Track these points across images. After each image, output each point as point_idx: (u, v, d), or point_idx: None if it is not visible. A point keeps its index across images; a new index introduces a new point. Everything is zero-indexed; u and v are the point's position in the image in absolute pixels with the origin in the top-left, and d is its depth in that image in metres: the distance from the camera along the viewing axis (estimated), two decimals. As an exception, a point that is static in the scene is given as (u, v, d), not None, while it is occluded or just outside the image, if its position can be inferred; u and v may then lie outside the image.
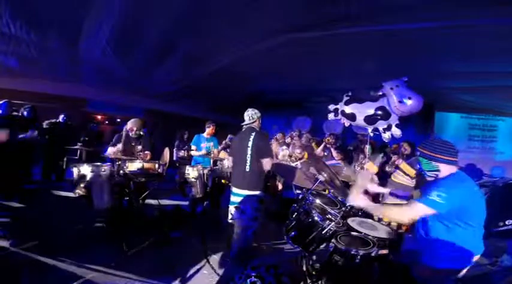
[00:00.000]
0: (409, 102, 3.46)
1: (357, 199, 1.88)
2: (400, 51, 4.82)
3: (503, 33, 3.74)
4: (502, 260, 3.23)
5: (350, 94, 4.20)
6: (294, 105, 9.32)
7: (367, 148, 4.37)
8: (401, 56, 5.01)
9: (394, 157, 4.35)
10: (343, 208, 2.41)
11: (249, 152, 2.86)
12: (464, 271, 1.70)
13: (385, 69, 4.86)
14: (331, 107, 4.35)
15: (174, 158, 6.52)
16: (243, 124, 3.09)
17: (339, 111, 4.23)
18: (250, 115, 3.05)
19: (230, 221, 3.01)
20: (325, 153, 4.98)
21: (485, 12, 3.40)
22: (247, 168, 2.87)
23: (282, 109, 9.39)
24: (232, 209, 2.96)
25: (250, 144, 2.87)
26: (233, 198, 2.98)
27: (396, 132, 3.72)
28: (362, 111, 3.92)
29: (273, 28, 4.34)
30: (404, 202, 3.36)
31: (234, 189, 2.97)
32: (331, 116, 4.38)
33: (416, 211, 1.64)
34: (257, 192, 2.89)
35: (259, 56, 5.31)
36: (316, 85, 7.47)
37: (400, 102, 3.50)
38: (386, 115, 3.71)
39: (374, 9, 3.64)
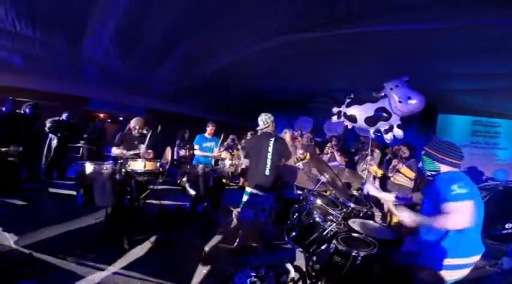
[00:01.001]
0: (409, 102, 3.44)
1: (405, 216, 1.75)
2: (402, 52, 4.82)
3: (506, 34, 3.73)
4: (501, 263, 3.23)
5: (352, 96, 4.20)
6: (296, 105, 9.32)
7: (377, 152, 4.38)
8: (403, 57, 5.01)
9: (394, 162, 4.37)
10: (345, 209, 2.42)
11: (269, 157, 3.01)
12: (468, 271, 1.70)
13: (387, 70, 4.86)
14: (335, 110, 4.36)
15: (175, 157, 6.55)
16: (258, 129, 3.21)
17: (342, 113, 4.23)
18: (264, 120, 3.14)
19: (241, 218, 3.16)
20: (328, 155, 5.00)
21: (488, 13, 3.40)
22: (267, 172, 3.01)
23: (284, 109, 9.41)
24: (245, 208, 3.11)
25: (270, 149, 3.01)
26: (247, 198, 3.10)
27: (398, 132, 3.71)
28: (362, 112, 3.93)
29: (275, 28, 4.34)
30: (407, 204, 3.37)
31: (251, 190, 3.07)
32: (334, 118, 4.39)
33: (461, 211, 1.55)
34: (274, 192, 3.11)
35: (261, 56, 5.32)
36: (318, 86, 7.47)
37: (400, 102, 3.48)
38: (386, 116, 3.70)
39: (376, 9, 3.64)
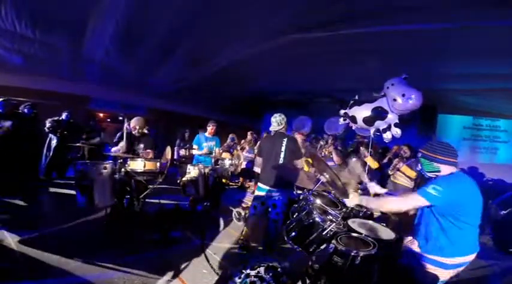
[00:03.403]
0: (404, 100, 3.41)
1: (352, 199, 1.95)
2: (402, 52, 4.81)
3: (505, 35, 3.72)
4: None
5: (356, 97, 4.20)
6: (296, 105, 9.32)
7: (361, 149, 4.39)
8: (403, 58, 5.00)
9: (395, 161, 4.37)
10: (344, 209, 2.41)
11: (282, 156, 3.11)
12: (462, 269, 1.72)
13: (387, 70, 4.88)
14: (341, 112, 4.38)
15: (175, 157, 6.55)
16: (271, 129, 3.30)
17: (347, 115, 4.25)
18: (279, 121, 3.23)
19: (252, 214, 3.24)
20: (323, 154, 4.99)
21: (489, 14, 3.39)
22: (280, 169, 3.09)
23: (284, 109, 9.38)
24: (257, 203, 3.21)
25: (283, 149, 3.12)
26: (259, 193, 3.19)
27: (396, 131, 3.69)
28: (361, 112, 3.93)
29: (276, 29, 4.34)
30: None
31: (263, 186, 3.17)
32: (341, 120, 4.41)
33: (412, 201, 1.70)
34: (287, 189, 3.18)
35: (262, 56, 5.32)
36: (318, 86, 7.48)
37: (395, 100, 3.46)
38: (382, 115, 3.69)
39: (377, 10, 3.64)
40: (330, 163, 4.78)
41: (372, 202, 1.93)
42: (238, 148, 6.68)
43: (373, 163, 4.47)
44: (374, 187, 2.49)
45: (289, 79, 7.13)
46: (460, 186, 1.67)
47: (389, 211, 1.75)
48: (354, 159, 4.36)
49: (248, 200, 5.42)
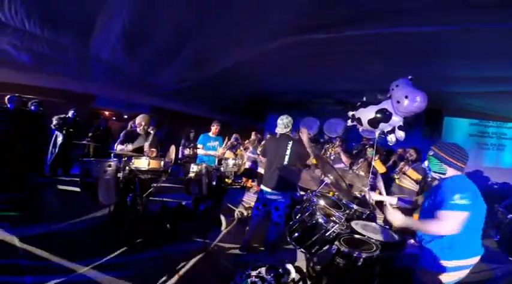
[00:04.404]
0: (407, 101, 3.36)
1: (395, 218, 1.80)
2: (407, 54, 4.78)
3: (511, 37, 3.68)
4: None
5: (364, 99, 4.18)
6: (298, 106, 9.31)
7: (369, 151, 4.36)
8: (408, 59, 4.97)
9: (401, 164, 4.33)
10: (347, 211, 2.41)
11: (287, 159, 3.12)
12: (466, 273, 1.70)
13: (392, 72, 4.85)
14: (349, 114, 4.37)
15: (180, 156, 6.59)
16: (277, 131, 3.29)
17: (354, 117, 4.23)
18: (286, 124, 3.24)
19: (254, 215, 3.26)
20: (332, 157, 4.97)
21: (494, 16, 3.36)
22: (283, 172, 3.10)
23: (286, 110, 9.37)
24: (259, 205, 3.23)
25: (288, 152, 3.13)
26: (262, 194, 3.20)
27: (400, 134, 3.66)
28: (366, 114, 3.91)
29: (279, 30, 4.35)
30: (409, 207, 3.33)
31: (266, 188, 3.17)
32: (349, 122, 4.40)
33: (452, 220, 1.57)
34: (290, 191, 3.19)
35: (265, 57, 5.33)
36: (321, 87, 7.45)
37: (399, 102, 3.42)
38: (386, 117, 3.65)
39: (381, 11, 3.62)
40: (340, 165, 4.77)
41: (413, 225, 1.80)
42: (242, 148, 6.70)
43: (380, 168, 4.43)
44: (373, 195, 2.48)
45: (291, 80, 7.12)
46: (476, 190, 1.67)
47: (431, 233, 1.67)
48: (361, 160, 4.34)
49: (250, 200, 5.42)
